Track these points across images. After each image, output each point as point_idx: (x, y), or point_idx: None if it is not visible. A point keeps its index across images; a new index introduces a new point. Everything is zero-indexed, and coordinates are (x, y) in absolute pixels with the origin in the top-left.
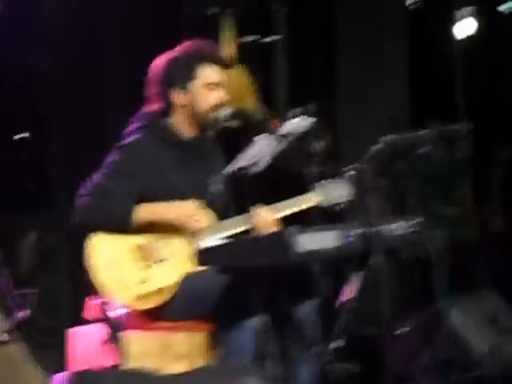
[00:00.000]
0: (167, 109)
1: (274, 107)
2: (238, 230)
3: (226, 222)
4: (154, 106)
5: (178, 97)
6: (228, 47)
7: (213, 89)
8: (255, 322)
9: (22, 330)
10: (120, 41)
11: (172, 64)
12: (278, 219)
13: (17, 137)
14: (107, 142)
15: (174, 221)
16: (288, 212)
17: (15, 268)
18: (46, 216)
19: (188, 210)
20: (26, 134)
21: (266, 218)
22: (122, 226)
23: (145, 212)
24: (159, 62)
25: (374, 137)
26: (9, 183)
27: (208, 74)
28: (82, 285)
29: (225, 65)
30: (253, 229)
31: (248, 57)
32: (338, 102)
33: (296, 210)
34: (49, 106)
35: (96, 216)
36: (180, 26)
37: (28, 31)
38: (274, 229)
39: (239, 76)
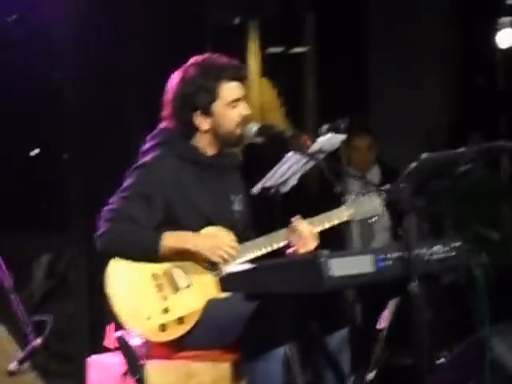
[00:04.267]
0: (189, 131)
1: (303, 122)
2: (275, 246)
3: (253, 242)
4: (172, 124)
5: (201, 121)
6: (253, 59)
7: (235, 106)
8: (283, 352)
9: (36, 359)
10: (144, 52)
11: (191, 87)
12: (317, 234)
13: (32, 154)
14: (126, 162)
15: (202, 252)
16: (323, 227)
17: (28, 292)
18: (61, 237)
19: (217, 242)
20: (39, 151)
21: (309, 231)
22: (149, 255)
23: (172, 242)
24: (176, 84)
25: (411, 153)
26: (22, 202)
27: (229, 91)
28: (101, 311)
29: (244, 77)
30: (289, 245)
31: (275, 68)
32: (370, 116)
33: (329, 225)
34: (67, 123)
35: (121, 245)
36: (205, 37)
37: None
38: (315, 244)
39: (264, 89)
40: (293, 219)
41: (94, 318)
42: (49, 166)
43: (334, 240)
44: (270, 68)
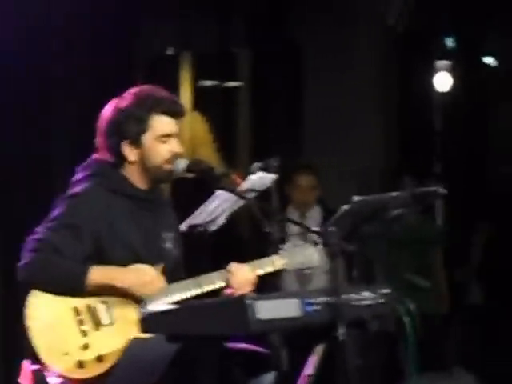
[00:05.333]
0: (118, 161)
1: (235, 158)
2: (205, 289)
3: (181, 283)
4: (104, 155)
5: (129, 151)
6: (186, 90)
7: (165, 141)
8: None
9: None
10: (68, 82)
11: (122, 115)
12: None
13: None
14: (50, 195)
15: (129, 289)
16: (255, 274)
17: None
18: None
19: (145, 279)
20: None
21: (247, 275)
22: (74, 289)
23: (99, 277)
24: (109, 112)
25: (343, 194)
26: None
27: (160, 125)
28: (18, 344)
29: (179, 113)
30: (224, 288)
31: (208, 102)
32: (303, 156)
33: (262, 272)
34: None
35: (44, 277)
36: (136, 68)
37: None
38: (250, 288)
39: (195, 123)
40: (230, 264)
41: (10, 353)
42: None
43: (268, 281)
44: (203, 101)
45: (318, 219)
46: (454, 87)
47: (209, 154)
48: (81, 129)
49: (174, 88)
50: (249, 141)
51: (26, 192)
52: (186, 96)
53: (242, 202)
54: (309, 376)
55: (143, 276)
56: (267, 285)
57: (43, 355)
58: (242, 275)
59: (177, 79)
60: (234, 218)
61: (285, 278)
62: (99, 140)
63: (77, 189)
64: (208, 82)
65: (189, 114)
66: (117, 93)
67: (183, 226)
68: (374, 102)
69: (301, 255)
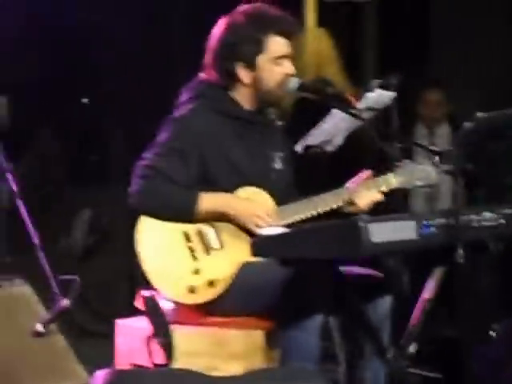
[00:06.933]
0: (228, 82)
1: (360, 75)
2: (320, 210)
3: (294, 205)
4: (210, 75)
5: (243, 73)
6: (311, 7)
7: (280, 63)
8: (319, 321)
9: (64, 321)
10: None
11: (237, 36)
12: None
13: (83, 101)
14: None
15: (238, 218)
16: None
17: (69, 248)
18: (103, 192)
19: (256, 210)
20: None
21: (365, 203)
22: (184, 217)
23: (209, 204)
24: (221, 32)
25: (469, 111)
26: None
27: (276, 46)
28: (136, 269)
29: (294, 34)
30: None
31: (333, 18)
32: (431, 71)
33: (377, 191)
34: (109, 77)
35: (154, 204)
36: None
37: None
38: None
39: (320, 40)
40: (348, 185)
41: (133, 278)
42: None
43: (394, 200)
44: (328, 17)
45: (446, 136)
46: None
47: (334, 72)
48: (196, 49)
49: (298, 3)
50: (375, 58)
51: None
52: (310, 12)
53: (359, 122)
54: (427, 300)
55: (253, 205)
56: (393, 204)
57: (154, 281)
58: (367, 194)
59: None
60: (350, 137)
61: (412, 199)
62: (208, 59)
63: (183, 111)
64: None
65: (314, 31)
66: (231, 8)
67: (298, 147)
68: (503, 12)
69: (418, 173)
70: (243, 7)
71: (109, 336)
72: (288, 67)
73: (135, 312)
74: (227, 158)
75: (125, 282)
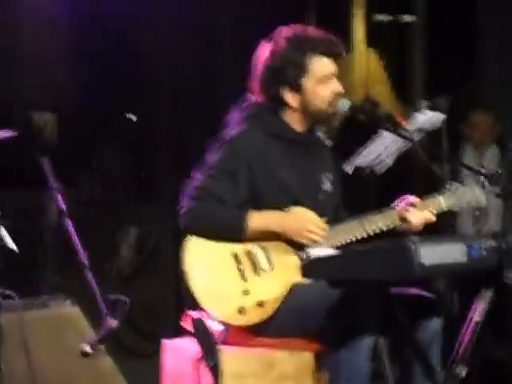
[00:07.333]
0: (276, 106)
1: (409, 95)
2: (370, 232)
3: (344, 226)
4: (260, 97)
5: (289, 97)
6: (359, 27)
7: (326, 82)
8: (370, 342)
9: (111, 341)
10: (240, 16)
11: (279, 60)
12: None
13: (129, 116)
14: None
15: (288, 234)
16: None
17: (116, 268)
18: (150, 212)
19: (305, 224)
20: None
21: (419, 222)
22: (234, 235)
23: (258, 222)
24: (264, 56)
25: None
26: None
27: (319, 67)
28: (183, 290)
29: (337, 53)
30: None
31: (381, 38)
32: (479, 94)
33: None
34: (158, 95)
35: (205, 224)
36: (308, 3)
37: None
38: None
39: (369, 59)
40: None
41: (181, 297)
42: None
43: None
44: (377, 37)
45: (495, 158)
46: None
47: (383, 92)
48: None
49: (347, 23)
50: (423, 78)
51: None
52: (359, 32)
53: (409, 143)
54: (476, 322)
55: (303, 221)
56: (442, 225)
57: (203, 301)
58: (420, 213)
59: (350, 14)
60: (400, 159)
61: (460, 219)
62: (254, 84)
63: (233, 132)
64: (382, 17)
65: (363, 51)
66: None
67: (348, 167)
68: None
69: (466, 196)
70: (284, 30)
71: (155, 356)
72: (334, 86)
73: (182, 332)
74: (277, 180)
75: (171, 302)
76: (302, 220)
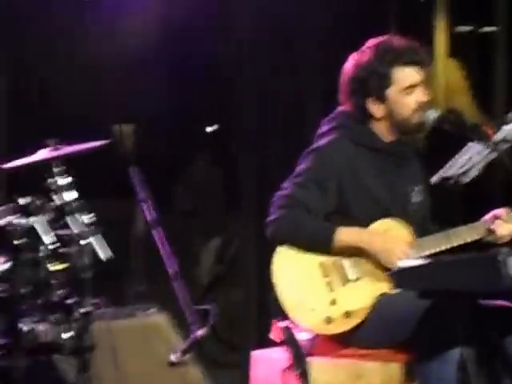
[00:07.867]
0: (364, 117)
1: (491, 106)
2: (455, 244)
3: (431, 238)
4: (349, 108)
5: (375, 108)
6: (441, 37)
7: (411, 92)
8: (458, 353)
9: (199, 350)
10: (324, 29)
11: (364, 72)
12: None
13: (208, 129)
14: (301, 144)
15: (375, 254)
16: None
17: (197, 278)
18: (233, 220)
19: (393, 247)
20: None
21: (509, 229)
22: (320, 248)
23: (346, 238)
24: (350, 69)
25: None
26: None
27: (403, 77)
28: (270, 300)
29: (421, 62)
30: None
31: (463, 48)
32: None
33: None
34: (240, 105)
35: (292, 234)
36: (390, 13)
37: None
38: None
39: (451, 70)
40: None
41: (263, 307)
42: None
43: None
44: (459, 47)
45: None
46: None
47: (464, 103)
48: (330, 78)
49: (428, 34)
50: (506, 88)
51: (280, 140)
52: (441, 42)
53: (495, 154)
54: None
55: (390, 243)
56: None
57: (291, 312)
58: (507, 226)
59: (432, 25)
60: (486, 170)
61: None
62: (342, 96)
63: (322, 142)
64: (464, 28)
65: (444, 61)
66: (368, 39)
67: (435, 179)
68: None
69: None
70: (371, 41)
71: (237, 366)
72: (420, 95)
73: (265, 342)
74: (366, 190)
75: (253, 312)
76: (389, 242)
